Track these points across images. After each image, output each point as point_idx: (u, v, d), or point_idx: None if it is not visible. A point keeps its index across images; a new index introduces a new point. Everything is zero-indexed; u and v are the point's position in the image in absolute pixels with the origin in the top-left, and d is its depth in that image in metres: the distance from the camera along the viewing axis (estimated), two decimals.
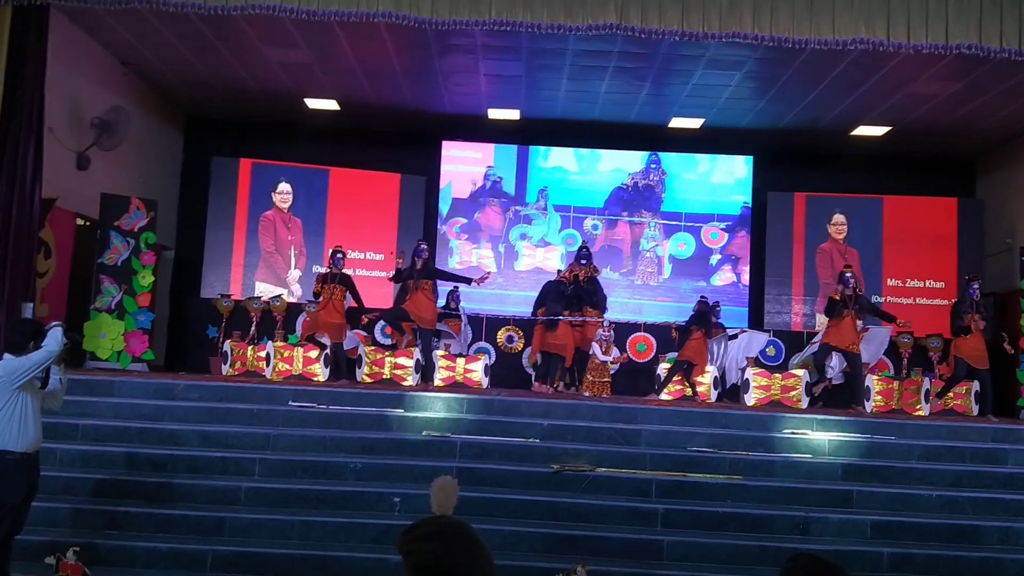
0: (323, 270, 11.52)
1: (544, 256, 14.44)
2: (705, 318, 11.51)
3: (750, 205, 14.55)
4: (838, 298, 10.59)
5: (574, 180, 14.65)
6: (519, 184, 14.62)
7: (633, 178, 14.58)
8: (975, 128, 13.14)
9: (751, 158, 14.58)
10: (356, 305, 10.96)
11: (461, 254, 14.54)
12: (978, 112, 12.45)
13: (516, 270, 14.47)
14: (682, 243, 14.54)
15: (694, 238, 14.54)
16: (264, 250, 14.02)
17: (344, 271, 11.05)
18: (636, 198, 14.59)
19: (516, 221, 14.57)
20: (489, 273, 11.92)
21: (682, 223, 14.56)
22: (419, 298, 10.58)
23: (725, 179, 14.67)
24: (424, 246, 10.90)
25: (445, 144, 14.62)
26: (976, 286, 10.73)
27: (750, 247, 14.52)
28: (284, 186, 14.17)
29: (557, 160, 14.70)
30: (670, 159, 14.65)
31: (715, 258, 14.51)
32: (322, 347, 11.00)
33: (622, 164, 14.62)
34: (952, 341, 10.93)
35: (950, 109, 12.39)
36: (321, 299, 10.80)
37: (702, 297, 11.96)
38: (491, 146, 14.69)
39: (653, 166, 14.58)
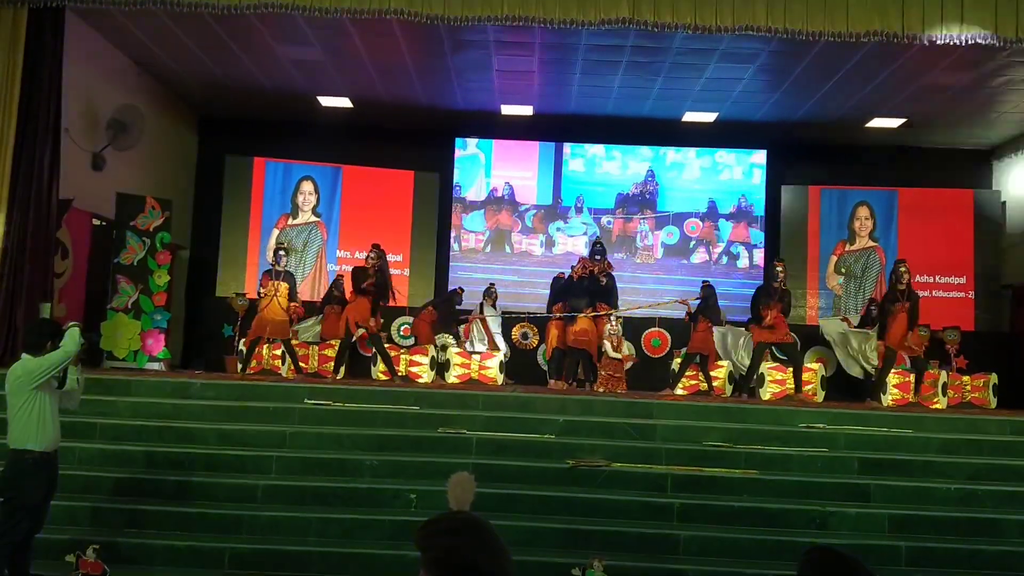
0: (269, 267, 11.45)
1: (572, 245, 14.48)
2: (711, 304, 11.45)
3: (749, 201, 14.58)
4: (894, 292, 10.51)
5: (590, 181, 14.68)
6: (555, 187, 14.67)
7: (636, 186, 14.66)
8: (991, 119, 13.04)
9: (751, 150, 14.53)
10: (294, 304, 10.92)
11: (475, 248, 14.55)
12: (994, 102, 12.36)
13: (554, 253, 14.55)
14: (670, 233, 14.68)
15: (678, 229, 14.63)
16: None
17: (288, 269, 11.03)
18: (638, 200, 14.65)
19: (549, 219, 14.61)
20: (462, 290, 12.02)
21: (670, 218, 14.68)
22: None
23: (726, 176, 14.68)
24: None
25: (468, 142, 14.66)
26: None
27: (765, 240, 14.46)
28: (307, 185, 14.22)
29: (577, 164, 14.75)
30: (667, 168, 14.64)
31: (692, 243, 14.66)
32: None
33: (629, 171, 14.63)
34: None
35: (966, 100, 12.31)
36: (264, 297, 10.77)
37: (705, 282, 11.87)
38: (513, 144, 14.70)
39: (649, 177, 14.66)
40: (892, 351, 10.55)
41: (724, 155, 14.69)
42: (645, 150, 14.67)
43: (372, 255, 10.58)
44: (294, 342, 11.23)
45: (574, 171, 14.71)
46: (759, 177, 14.62)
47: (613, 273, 11.62)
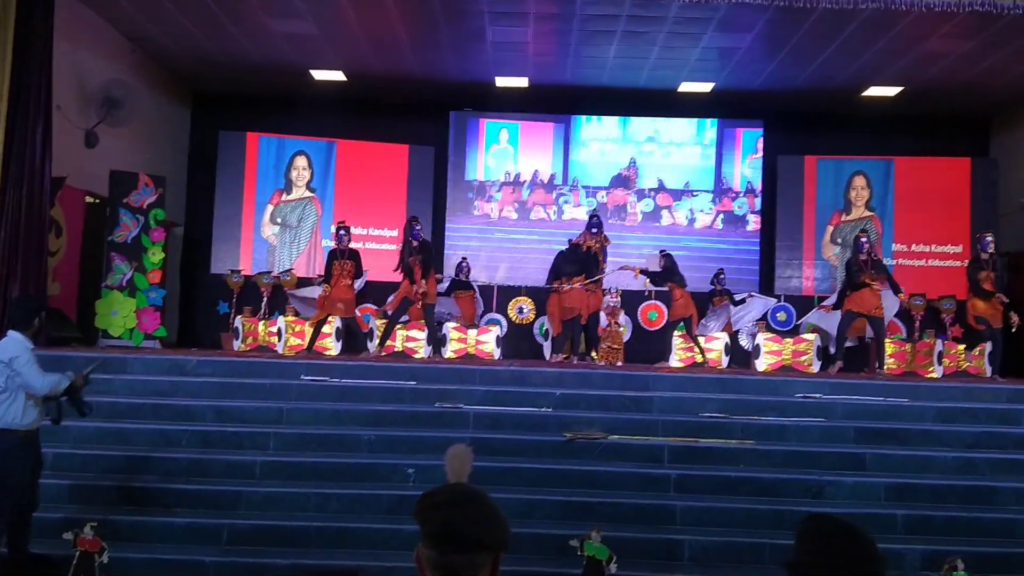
0: (331, 245, 11.51)
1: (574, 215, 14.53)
2: (671, 272, 11.56)
3: (745, 172, 14.54)
4: (856, 264, 10.53)
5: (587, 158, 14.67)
6: (555, 165, 14.63)
7: (622, 171, 14.58)
8: (989, 87, 12.97)
9: (748, 120, 14.47)
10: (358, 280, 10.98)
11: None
12: (992, 70, 12.29)
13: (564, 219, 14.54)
14: (647, 204, 14.59)
15: (653, 200, 14.57)
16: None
17: (352, 246, 11.05)
18: (626, 178, 14.60)
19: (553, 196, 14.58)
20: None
21: (647, 192, 14.62)
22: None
23: (723, 149, 14.66)
24: (419, 226, 10.87)
25: (469, 121, 14.58)
26: (989, 239, 10.65)
27: (761, 213, 14.43)
28: (301, 160, 14.14)
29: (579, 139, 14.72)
30: (651, 150, 14.58)
31: (663, 212, 14.60)
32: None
33: (622, 152, 14.61)
34: (968, 301, 10.86)
35: (963, 68, 12.23)
36: (332, 277, 10.77)
37: (662, 251, 12.00)
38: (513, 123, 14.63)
39: (632, 163, 14.58)
40: (849, 314, 10.58)
41: (719, 126, 14.60)
42: (641, 125, 14.55)
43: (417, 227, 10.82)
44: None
45: (577, 151, 14.62)
46: (756, 147, 14.54)
47: (607, 247, 11.62)
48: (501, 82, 13.67)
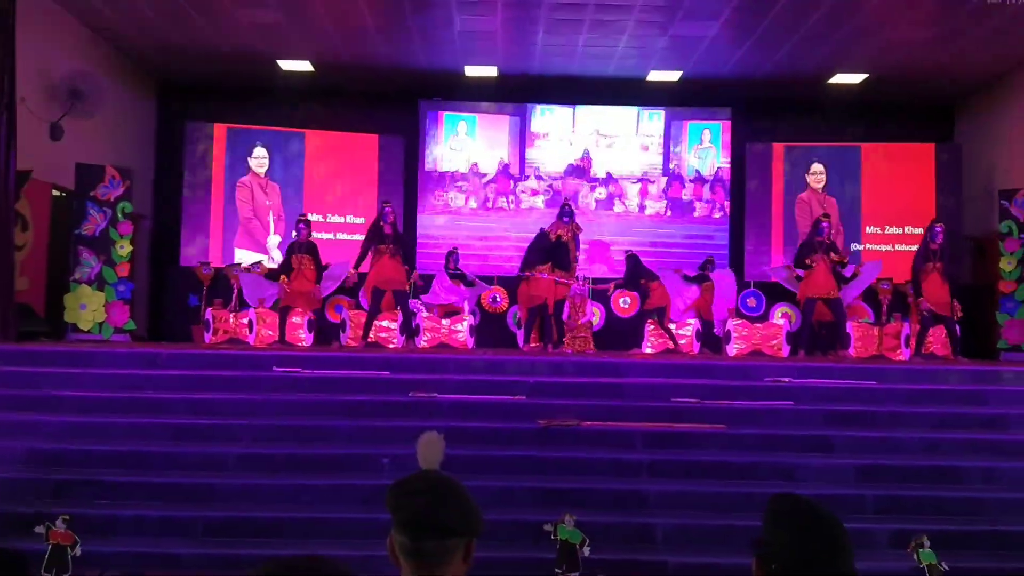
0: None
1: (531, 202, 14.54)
2: (636, 273, 11.83)
3: (713, 159, 14.59)
4: (811, 244, 10.70)
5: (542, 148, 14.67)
6: (512, 156, 14.59)
7: (576, 161, 14.57)
8: (953, 73, 13.14)
9: (716, 109, 14.55)
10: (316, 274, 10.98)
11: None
12: (956, 57, 12.44)
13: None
14: (600, 193, 14.57)
15: (605, 189, 14.57)
16: (242, 216, 13.91)
17: (310, 240, 11.05)
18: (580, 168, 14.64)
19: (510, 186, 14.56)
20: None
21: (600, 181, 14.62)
22: (386, 262, 10.63)
23: (690, 137, 14.71)
24: (389, 208, 10.89)
25: (433, 114, 14.53)
26: (938, 229, 10.80)
27: (729, 200, 14.51)
28: (259, 151, 14.03)
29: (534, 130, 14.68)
30: (604, 140, 14.62)
31: (616, 200, 14.61)
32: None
33: (575, 142, 14.64)
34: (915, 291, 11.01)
35: (928, 55, 12.38)
36: (292, 270, 10.76)
37: (628, 252, 12.27)
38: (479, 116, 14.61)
39: (585, 153, 14.56)
40: (809, 301, 10.73)
41: (688, 114, 14.66)
42: (593, 115, 14.59)
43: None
44: None
45: (533, 141, 14.62)
46: (723, 136, 14.62)
47: (579, 236, 11.69)
48: (470, 71, 13.65)
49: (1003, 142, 13.40)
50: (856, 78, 13.48)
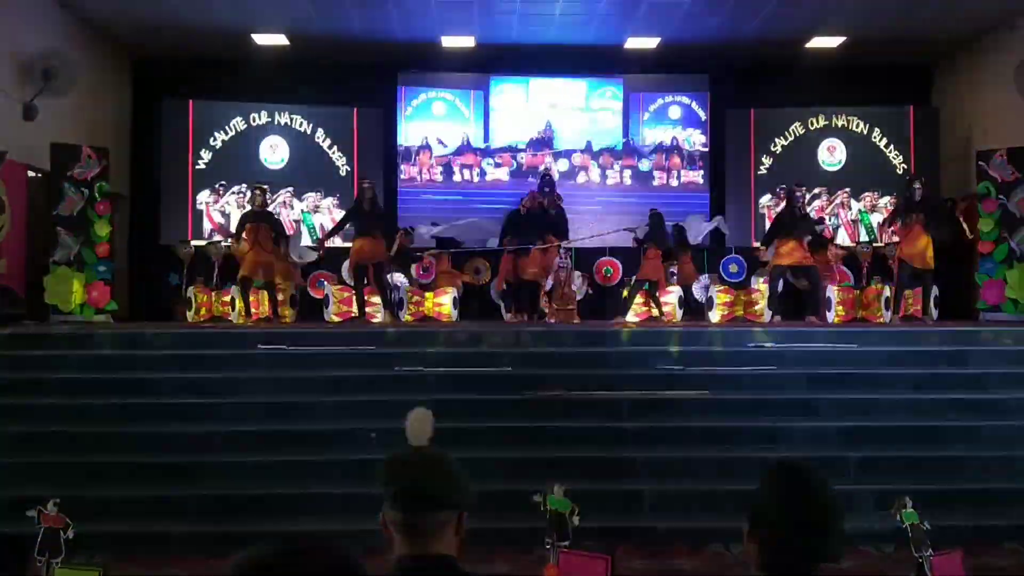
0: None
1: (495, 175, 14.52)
2: (658, 232, 11.59)
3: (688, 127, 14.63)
4: (785, 217, 10.69)
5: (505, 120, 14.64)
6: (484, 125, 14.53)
7: (539, 133, 14.54)
8: (930, 35, 13.14)
9: (693, 74, 14.53)
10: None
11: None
12: (932, 19, 12.44)
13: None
14: (563, 164, 14.52)
15: (568, 160, 14.56)
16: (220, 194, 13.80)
17: (266, 208, 11.04)
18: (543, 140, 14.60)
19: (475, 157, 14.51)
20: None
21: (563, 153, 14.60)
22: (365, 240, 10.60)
23: (669, 104, 14.68)
24: (367, 185, 10.84)
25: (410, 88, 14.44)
26: (917, 187, 10.83)
27: (711, 168, 14.52)
28: (234, 123, 13.89)
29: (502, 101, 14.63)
30: (565, 112, 14.60)
31: (580, 172, 14.63)
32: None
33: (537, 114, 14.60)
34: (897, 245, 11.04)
35: (905, 17, 12.36)
36: (248, 240, 10.72)
37: (652, 209, 12.03)
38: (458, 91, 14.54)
39: (548, 126, 14.53)
40: (778, 268, 10.74)
41: (662, 83, 14.64)
42: (554, 88, 14.54)
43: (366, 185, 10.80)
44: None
45: (496, 114, 14.57)
46: (702, 102, 14.61)
47: (562, 205, 11.67)
48: (447, 41, 13.54)
49: (980, 103, 13.45)
50: (834, 41, 13.46)
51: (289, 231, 11.89)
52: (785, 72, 14.34)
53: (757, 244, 12.17)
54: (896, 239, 11.31)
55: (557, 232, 11.24)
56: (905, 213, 10.76)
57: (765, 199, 14.16)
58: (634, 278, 11.75)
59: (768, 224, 12.13)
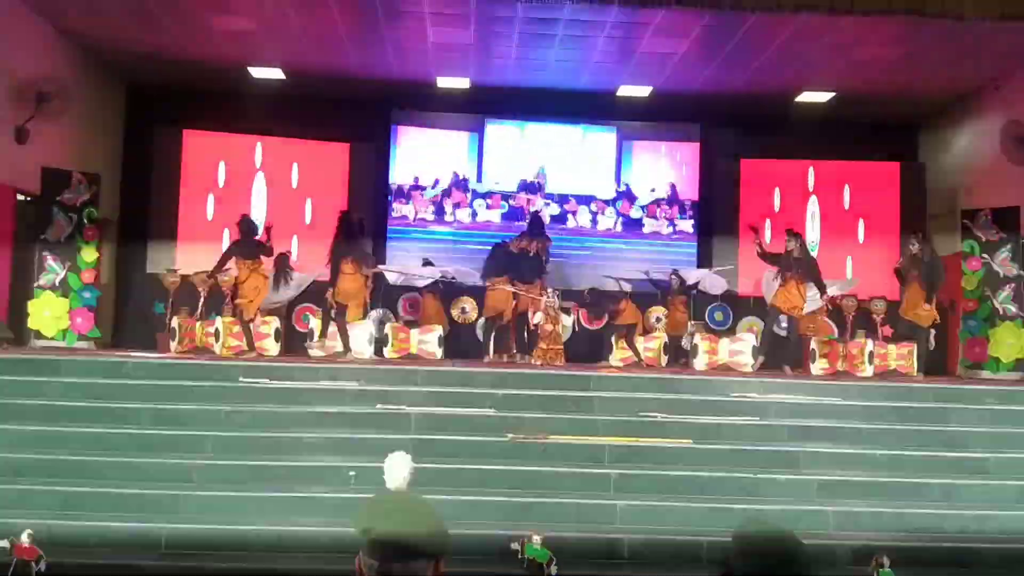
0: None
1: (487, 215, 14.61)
2: (599, 304, 12.14)
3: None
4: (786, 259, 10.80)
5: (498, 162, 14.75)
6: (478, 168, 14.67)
7: (531, 178, 14.68)
8: (918, 94, 13.33)
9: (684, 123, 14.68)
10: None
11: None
12: (920, 78, 12.63)
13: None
14: (554, 209, 14.59)
15: (559, 205, 14.66)
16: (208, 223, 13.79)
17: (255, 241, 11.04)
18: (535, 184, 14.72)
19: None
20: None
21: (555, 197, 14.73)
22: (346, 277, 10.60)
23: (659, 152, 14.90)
24: (354, 219, 10.91)
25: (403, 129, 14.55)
26: (914, 244, 10.96)
27: (699, 216, 14.63)
28: (231, 156, 13.94)
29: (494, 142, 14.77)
30: (559, 156, 14.76)
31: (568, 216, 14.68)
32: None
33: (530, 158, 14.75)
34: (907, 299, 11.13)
35: (893, 75, 12.55)
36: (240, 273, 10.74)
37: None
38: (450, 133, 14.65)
39: (541, 171, 14.65)
40: (774, 310, 10.91)
41: (653, 131, 14.81)
42: (548, 133, 14.73)
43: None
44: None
45: (490, 155, 14.68)
46: (683, 155, 14.77)
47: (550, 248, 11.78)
48: (442, 82, 13.66)
49: (966, 162, 13.62)
50: (823, 96, 13.64)
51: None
52: (776, 124, 14.49)
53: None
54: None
55: (541, 275, 11.36)
56: (909, 266, 10.92)
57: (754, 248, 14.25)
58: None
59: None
